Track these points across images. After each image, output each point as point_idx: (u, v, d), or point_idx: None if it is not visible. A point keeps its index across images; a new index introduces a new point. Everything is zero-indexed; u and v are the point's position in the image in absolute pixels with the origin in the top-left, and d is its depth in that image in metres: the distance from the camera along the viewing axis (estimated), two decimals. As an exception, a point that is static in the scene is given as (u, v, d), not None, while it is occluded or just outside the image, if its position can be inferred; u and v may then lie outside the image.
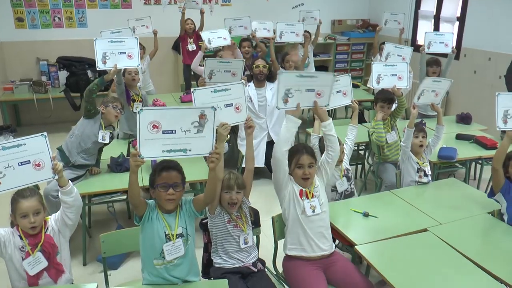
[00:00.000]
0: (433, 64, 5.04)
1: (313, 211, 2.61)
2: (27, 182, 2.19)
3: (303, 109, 2.67)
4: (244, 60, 4.70)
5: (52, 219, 2.40)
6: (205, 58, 4.11)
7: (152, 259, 2.30)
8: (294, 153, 2.66)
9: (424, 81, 3.75)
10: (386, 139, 4.01)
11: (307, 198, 2.62)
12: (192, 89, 2.52)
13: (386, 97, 4.01)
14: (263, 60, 4.89)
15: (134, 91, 4.43)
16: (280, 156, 2.58)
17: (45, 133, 2.21)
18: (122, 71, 4.18)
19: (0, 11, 6.36)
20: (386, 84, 4.07)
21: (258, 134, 4.85)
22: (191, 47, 6.31)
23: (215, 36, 5.44)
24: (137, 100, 4.38)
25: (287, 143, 2.57)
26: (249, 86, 4.79)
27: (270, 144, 4.94)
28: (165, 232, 2.27)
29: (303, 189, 2.64)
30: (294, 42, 5.81)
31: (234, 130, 4.07)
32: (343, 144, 3.33)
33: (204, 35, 5.40)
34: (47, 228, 2.36)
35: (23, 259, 2.26)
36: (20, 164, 2.14)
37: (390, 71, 4.04)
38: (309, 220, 2.61)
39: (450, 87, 5.62)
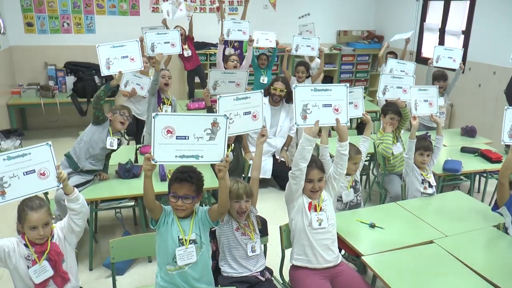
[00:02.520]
0: (439, 79, 5.06)
1: (320, 224, 2.63)
2: (32, 191, 2.20)
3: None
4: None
5: (58, 227, 2.41)
6: (210, 69, 4.12)
7: (166, 264, 2.33)
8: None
9: (411, 91, 3.80)
10: (392, 151, 4.04)
11: (315, 211, 2.64)
12: (217, 97, 2.57)
13: (397, 110, 4.07)
14: (283, 84, 4.85)
15: (165, 94, 4.51)
16: (299, 173, 2.59)
17: (49, 142, 2.22)
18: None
19: (11, 16, 6.43)
20: (391, 96, 4.12)
21: (266, 151, 4.90)
22: (187, 53, 6.32)
23: (236, 28, 5.34)
24: (167, 104, 4.46)
25: (305, 160, 2.56)
26: (264, 104, 4.80)
27: (274, 157, 5.00)
28: (179, 237, 2.31)
29: (312, 202, 2.66)
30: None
31: (239, 139, 4.10)
32: (361, 154, 3.38)
33: (226, 24, 5.32)
34: (53, 236, 2.37)
35: (28, 268, 2.27)
36: (25, 173, 2.14)
37: (397, 83, 4.10)
38: (315, 232, 2.62)
39: (455, 100, 5.73)
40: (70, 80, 6.61)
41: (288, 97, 4.86)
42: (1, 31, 5.81)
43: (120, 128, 3.55)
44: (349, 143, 3.30)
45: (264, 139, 2.67)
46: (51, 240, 2.34)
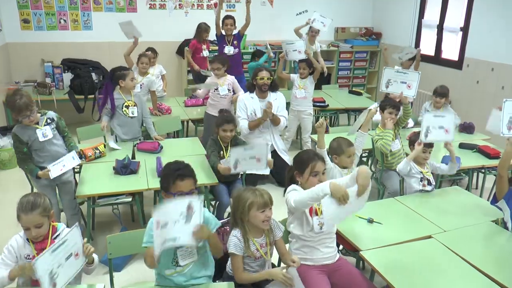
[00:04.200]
0: (437, 95, 5.03)
1: (321, 228, 2.59)
2: (72, 274, 2.15)
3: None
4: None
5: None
6: (231, 148, 3.70)
7: (165, 269, 2.33)
8: (308, 160, 2.64)
9: (425, 116, 3.55)
10: (390, 148, 4.03)
11: (316, 215, 2.59)
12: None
13: (395, 104, 4.06)
14: (267, 72, 4.81)
15: (127, 97, 4.30)
16: (299, 211, 2.56)
17: (77, 224, 2.19)
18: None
19: (7, 12, 6.39)
20: (394, 89, 4.09)
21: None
22: (206, 53, 6.41)
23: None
24: (132, 105, 4.29)
25: (310, 205, 2.52)
26: (252, 98, 4.79)
27: (273, 153, 4.92)
28: None
29: (313, 206, 2.59)
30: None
31: (237, 141, 4.02)
32: (353, 146, 3.38)
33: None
34: (56, 235, 2.36)
35: None
36: (66, 259, 2.10)
37: (401, 78, 4.06)
38: (316, 235, 2.61)
39: (453, 97, 5.71)
40: (67, 77, 6.56)
41: (273, 86, 4.82)
42: (-2, 28, 5.78)
43: (33, 123, 3.27)
44: (340, 137, 3.35)
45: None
46: (52, 238, 2.34)
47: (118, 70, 4.28)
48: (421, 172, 3.55)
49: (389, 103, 4.09)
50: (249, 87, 4.86)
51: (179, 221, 2.08)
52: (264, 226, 2.45)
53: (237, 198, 2.47)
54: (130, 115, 4.27)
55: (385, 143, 3.97)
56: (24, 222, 2.24)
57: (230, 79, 5.24)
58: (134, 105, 4.30)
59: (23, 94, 3.16)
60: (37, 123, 3.31)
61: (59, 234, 2.37)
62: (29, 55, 6.65)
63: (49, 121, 3.37)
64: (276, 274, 2.36)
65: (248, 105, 4.77)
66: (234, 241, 2.42)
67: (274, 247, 2.58)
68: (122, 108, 4.25)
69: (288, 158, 4.96)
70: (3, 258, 2.28)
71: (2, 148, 5.14)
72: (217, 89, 5.13)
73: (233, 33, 6.11)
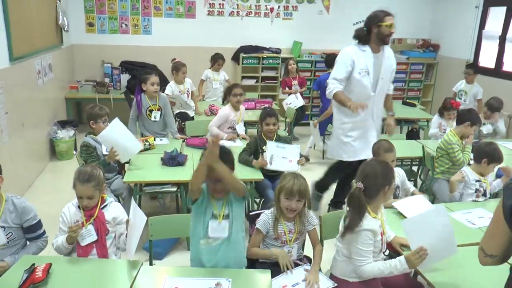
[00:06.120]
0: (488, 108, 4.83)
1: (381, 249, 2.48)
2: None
3: None
4: None
5: (114, 216, 2.52)
6: (268, 141, 3.76)
7: (199, 239, 2.35)
8: None
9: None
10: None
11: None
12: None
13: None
14: (393, 17, 3.85)
15: (152, 101, 4.43)
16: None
17: None
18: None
19: (74, 16, 6.79)
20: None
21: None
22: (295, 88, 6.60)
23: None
24: (156, 109, 4.43)
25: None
26: (364, 51, 3.83)
27: None
28: (212, 212, 2.34)
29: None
30: None
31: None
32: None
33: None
34: (104, 205, 2.49)
35: None
36: None
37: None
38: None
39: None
40: (125, 78, 6.89)
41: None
42: (65, 29, 6.13)
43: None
44: (383, 140, 3.38)
45: None
46: (100, 208, 2.47)
47: (143, 73, 4.46)
48: (479, 182, 3.39)
49: (479, 120, 4.04)
50: (363, 38, 3.81)
51: None
52: (287, 213, 2.48)
53: (281, 177, 2.57)
54: (153, 119, 4.44)
55: (467, 157, 3.86)
56: (78, 191, 2.41)
57: (243, 110, 4.76)
58: (158, 110, 4.45)
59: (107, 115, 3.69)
60: None
61: (106, 205, 2.51)
62: (91, 56, 7.03)
63: None
64: (281, 254, 2.41)
65: (358, 60, 3.77)
66: (264, 219, 2.52)
67: (307, 237, 2.63)
68: (146, 112, 4.43)
69: None
70: (60, 226, 2.47)
71: (61, 140, 5.42)
72: (234, 128, 4.60)
73: None
